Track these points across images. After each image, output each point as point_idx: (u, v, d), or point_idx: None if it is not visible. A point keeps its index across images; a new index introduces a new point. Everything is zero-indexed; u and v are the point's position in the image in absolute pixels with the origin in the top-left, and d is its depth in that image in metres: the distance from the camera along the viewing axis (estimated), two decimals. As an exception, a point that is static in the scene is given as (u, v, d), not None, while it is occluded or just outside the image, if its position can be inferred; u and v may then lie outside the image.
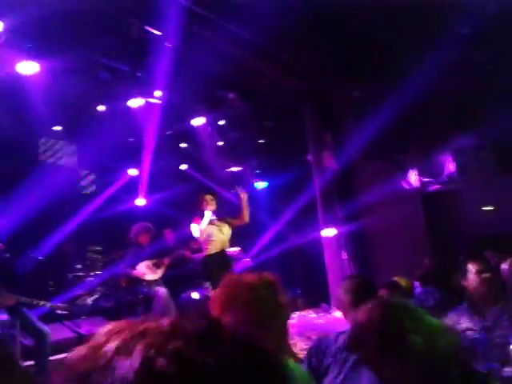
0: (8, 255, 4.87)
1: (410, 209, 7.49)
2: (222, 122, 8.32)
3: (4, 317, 4.45)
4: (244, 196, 5.82)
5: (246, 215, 5.77)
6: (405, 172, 7.58)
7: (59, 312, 4.94)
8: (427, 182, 7.28)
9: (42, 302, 4.79)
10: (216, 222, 5.49)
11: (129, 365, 0.47)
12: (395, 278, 4.08)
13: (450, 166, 7.26)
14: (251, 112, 8.23)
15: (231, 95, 7.85)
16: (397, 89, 6.78)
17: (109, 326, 0.53)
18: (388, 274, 6.63)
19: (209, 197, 5.51)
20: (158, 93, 7.02)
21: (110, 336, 0.51)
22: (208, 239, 5.36)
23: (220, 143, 9.24)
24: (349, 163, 7.76)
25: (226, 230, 5.54)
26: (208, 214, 5.36)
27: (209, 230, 5.42)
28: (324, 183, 7.90)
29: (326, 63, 7.03)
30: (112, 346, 0.49)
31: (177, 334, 0.50)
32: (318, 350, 2.26)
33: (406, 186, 7.57)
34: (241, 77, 7.16)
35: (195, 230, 5.38)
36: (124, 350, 0.48)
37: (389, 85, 6.59)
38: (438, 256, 6.25)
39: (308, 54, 6.91)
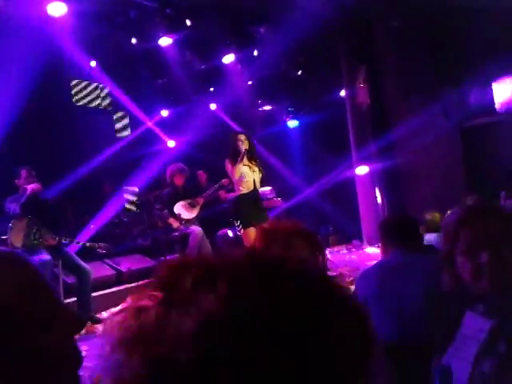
0: (47, 197, 5.05)
1: (446, 144, 7.25)
2: (255, 54, 8.00)
3: (47, 257, 4.67)
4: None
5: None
6: (443, 106, 7.27)
7: (99, 250, 5.15)
8: (466, 116, 6.97)
9: (82, 242, 5.01)
10: (248, 162, 5.47)
11: (213, 298, 0.45)
12: (428, 214, 4.02)
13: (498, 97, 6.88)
14: (283, 47, 7.94)
15: (261, 29, 7.57)
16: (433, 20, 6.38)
17: (170, 262, 0.52)
18: (422, 211, 6.57)
19: (242, 136, 5.46)
20: (187, 29, 6.85)
21: (179, 272, 0.49)
22: (241, 179, 5.38)
23: (250, 82, 9.05)
24: (384, 99, 7.48)
25: (257, 171, 5.53)
26: (243, 153, 5.34)
27: (242, 170, 5.42)
28: (358, 120, 7.69)
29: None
30: (188, 281, 0.47)
31: (256, 268, 0.48)
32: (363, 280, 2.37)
33: (442, 120, 7.28)
34: (271, 8, 6.86)
35: (229, 169, 5.38)
36: (203, 284, 0.47)
37: (426, 16, 6.19)
38: (475, 192, 6.09)
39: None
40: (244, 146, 5.36)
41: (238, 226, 5.41)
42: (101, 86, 8.92)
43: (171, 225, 6.36)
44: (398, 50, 7.35)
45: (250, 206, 5.42)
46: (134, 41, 6.87)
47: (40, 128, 7.01)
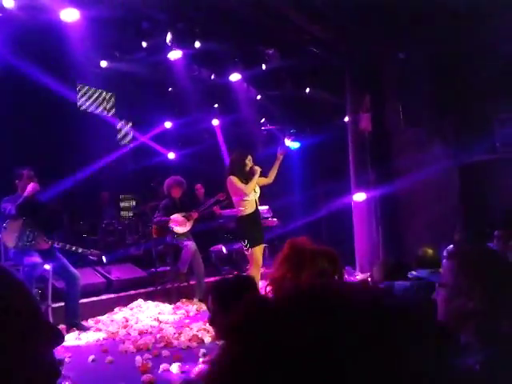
0: (45, 199, 5.03)
1: (445, 178, 7.29)
2: (259, 79, 8.14)
3: (37, 260, 4.65)
4: (280, 156, 5.78)
5: (273, 176, 5.74)
6: (444, 140, 7.34)
7: (91, 257, 5.13)
8: (466, 152, 7.03)
9: (74, 247, 4.99)
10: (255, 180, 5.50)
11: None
12: (421, 250, 4.02)
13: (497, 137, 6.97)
14: (290, 69, 8.04)
15: (270, 51, 7.66)
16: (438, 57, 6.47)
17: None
18: (417, 242, 6.56)
19: (250, 157, 5.49)
20: (197, 44, 6.92)
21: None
22: (244, 199, 5.38)
23: (256, 99, 9.13)
24: (386, 127, 7.55)
25: (258, 189, 5.55)
26: (257, 174, 5.36)
27: (249, 188, 5.44)
28: (358, 146, 7.74)
29: (372, 23, 6.72)
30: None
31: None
32: None
33: (442, 154, 7.34)
34: (281, 32, 6.95)
35: (234, 186, 5.35)
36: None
37: (433, 50, 6.28)
38: (471, 229, 6.11)
39: (354, 11, 6.62)
40: (252, 166, 5.39)
41: (246, 246, 5.39)
42: (106, 93, 8.98)
43: (166, 230, 6.35)
44: (402, 81, 7.44)
45: (256, 226, 5.45)
46: (144, 44, 6.89)
47: (44, 131, 7.03)
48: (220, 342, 2.15)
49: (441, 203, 7.18)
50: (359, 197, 7.62)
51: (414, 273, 3.95)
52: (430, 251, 4.05)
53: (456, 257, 1.33)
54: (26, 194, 4.70)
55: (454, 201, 7.25)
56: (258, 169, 5.41)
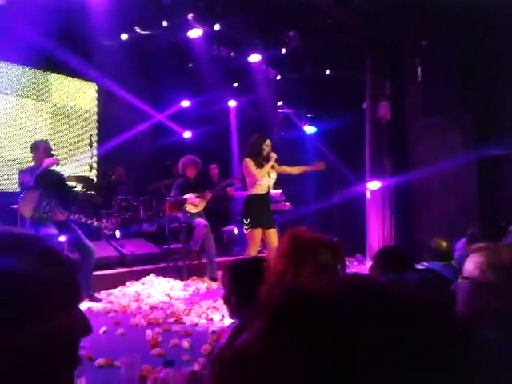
0: (63, 172, 5.10)
1: (462, 170, 7.21)
2: (278, 61, 8.08)
3: (53, 231, 4.72)
4: (318, 168, 5.84)
5: (298, 172, 5.79)
6: (463, 132, 7.24)
7: (105, 231, 5.19)
8: (485, 145, 6.94)
9: (90, 221, 5.06)
10: (268, 168, 5.51)
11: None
12: (434, 242, 4.00)
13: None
14: (310, 53, 7.95)
15: (291, 33, 7.58)
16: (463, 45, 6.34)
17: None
18: (430, 233, 6.53)
19: (268, 141, 5.48)
20: (216, 26, 6.88)
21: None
22: (256, 182, 5.40)
23: (274, 82, 9.06)
24: (405, 116, 7.47)
25: (274, 175, 5.56)
26: (272, 161, 5.38)
27: (262, 173, 5.45)
28: (376, 134, 7.67)
29: (396, 9, 6.60)
30: None
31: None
32: None
33: (460, 145, 7.25)
34: (303, 14, 6.86)
35: (249, 168, 5.37)
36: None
37: (456, 38, 6.16)
38: (486, 223, 6.06)
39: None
40: (269, 151, 5.40)
41: (247, 225, 5.43)
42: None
43: (187, 210, 6.41)
44: (425, 69, 7.33)
45: (260, 208, 5.45)
46: (164, 23, 6.84)
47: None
48: (234, 322, 2.14)
49: (456, 195, 7.13)
50: (374, 185, 7.59)
51: (425, 264, 3.94)
52: (444, 244, 4.02)
53: (485, 252, 1.32)
54: (44, 165, 4.76)
55: (470, 194, 7.18)
56: (273, 155, 5.41)
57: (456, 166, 6.98)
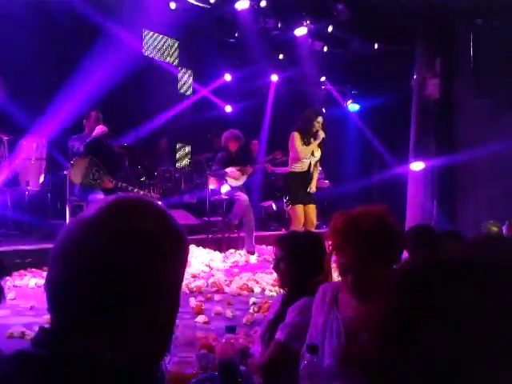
0: (112, 141, 5.20)
1: (511, 154, 6.96)
2: (325, 35, 7.90)
3: (101, 197, 4.85)
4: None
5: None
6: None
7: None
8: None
9: (136, 189, 5.17)
10: (315, 146, 5.46)
11: None
12: (487, 225, 3.90)
13: None
14: (358, 27, 7.74)
15: (340, 6, 7.38)
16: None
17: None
18: (474, 220, 6.37)
19: (320, 119, 5.41)
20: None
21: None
22: (298, 159, 5.37)
23: (319, 57, 8.89)
24: (455, 95, 7.22)
25: (318, 153, 5.51)
26: (319, 140, 5.32)
27: (306, 150, 5.41)
28: (422, 112, 7.45)
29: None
30: None
31: None
32: None
33: (510, 128, 6.97)
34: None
35: (295, 143, 5.32)
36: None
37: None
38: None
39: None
40: (319, 129, 5.34)
41: (287, 202, 5.44)
42: (171, 40, 8.98)
43: (227, 183, 6.46)
44: (478, 48, 7.04)
45: (300, 185, 5.44)
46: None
47: (110, 75, 7.14)
48: (281, 295, 2.14)
49: (503, 180, 6.90)
50: (417, 166, 7.41)
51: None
52: (495, 228, 3.93)
53: None
54: (94, 134, 4.86)
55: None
56: (321, 134, 5.34)
57: (505, 149, 6.74)
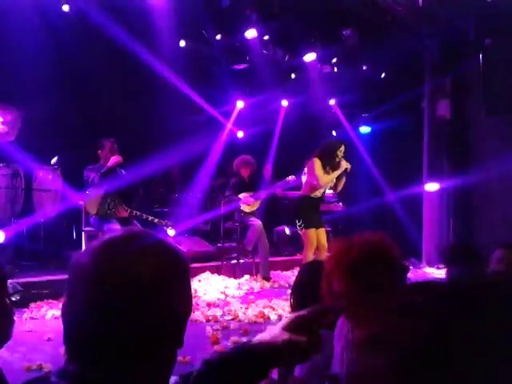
0: (126, 171, 5.26)
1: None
2: (334, 60, 8.00)
3: (117, 226, 4.88)
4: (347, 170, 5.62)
5: (339, 186, 5.65)
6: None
7: (164, 228, 5.32)
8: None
9: (150, 218, 5.19)
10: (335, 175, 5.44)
11: None
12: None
13: None
14: (367, 51, 7.82)
15: (347, 32, 7.47)
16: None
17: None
18: (492, 240, 6.27)
19: (343, 148, 5.38)
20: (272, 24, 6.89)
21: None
22: (316, 186, 5.35)
23: (329, 80, 8.96)
24: (466, 115, 7.21)
25: (333, 183, 5.50)
26: (340, 170, 5.28)
27: (326, 179, 5.39)
28: (435, 134, 7.45)
29: (459, 4, 6.39)
30: None
31: None
32: None
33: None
34: (362, 11, 6.77)
35: (315, 170, 5.28)
36: None
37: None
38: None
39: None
40: (341, 159, 5.31)
41: (300, 226, 5.41)
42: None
43: (241, 209, 6.46)
44: (488, 67, 7.06)
45: (313, 210, 5.44)
46: (218, 37, 6.98)
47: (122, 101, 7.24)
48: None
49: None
50: (432, 187, 7.38)
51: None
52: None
53: None
54: (109, 164, 4.93)
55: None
56: (344, 165, 5.29)
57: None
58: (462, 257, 2.93)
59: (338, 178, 5.47)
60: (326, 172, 5.24)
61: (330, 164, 5.24)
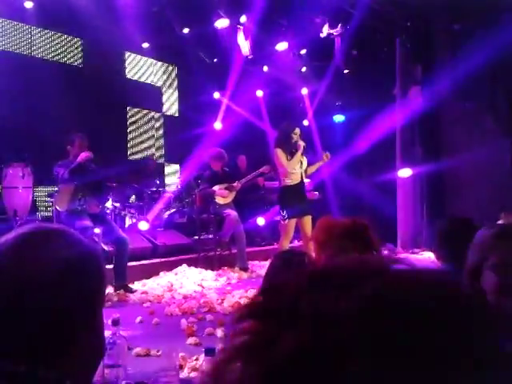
0: (95, 165, 5.18)
1: (496, 156, 7.02)
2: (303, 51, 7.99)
3: (88, 223, 4.82)
4: (325, 159, 5.68)
5: (310, 173, 5.72)
6: (496, 116, 7.04)
7: (138, 222, 5.28)
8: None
9: (123, 212, 5.14)
10: (300, 156, 5.48)
11: None
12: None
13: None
14: (338, 39, 7.84)
15: (318, 19, 7.48)
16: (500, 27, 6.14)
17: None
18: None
19: (298, 130, 5.45)
20: (243, 18, 6.86)
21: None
22: (288, 172, 5.38)
23: (302, 70, 8.97)
24: (437, 101, 7.30)
25: (305, 162, 5.53)
26: (300, 150, 5.34)
27: (292, 163, 5.43)
28: (407, 120, 7.52)
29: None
30: None
31: None
32: None
33: (493, 130, 7.04)
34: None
35: (280, 159, 5.35)
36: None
37: (491, 22, 5.97)
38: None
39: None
40: (298, 140, 5.37)
41: (284, 216, 5.41)
42: (154, 62, 9.03)
43: (216, 201, 6.45)
44: (456, 53, 7.15)
45: (296, 197, 5.44)
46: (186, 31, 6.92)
47: (92, 96, 7.18)
48: None
49: (490, 182, 6.95)
50: (405, 173, 7.47)
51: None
52: None
53: None
54: (79, 159, 4.85)
55: (504, 179, 7.00)
56: (301, 144, 5.36)
57: (490, 152, 6.80)
58: (461, 235, 2.70)
59: (310, 165, 5.55)
60: (290, 155, 5.30)
61: (289, 148, 5.30)
